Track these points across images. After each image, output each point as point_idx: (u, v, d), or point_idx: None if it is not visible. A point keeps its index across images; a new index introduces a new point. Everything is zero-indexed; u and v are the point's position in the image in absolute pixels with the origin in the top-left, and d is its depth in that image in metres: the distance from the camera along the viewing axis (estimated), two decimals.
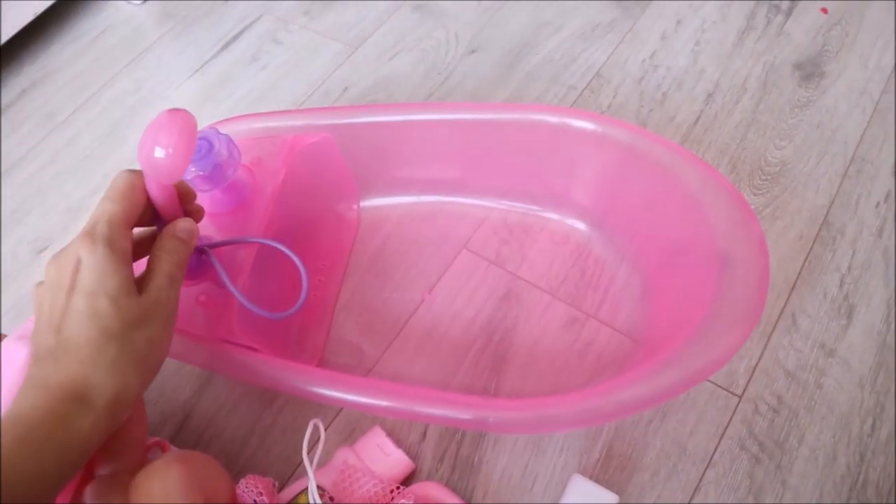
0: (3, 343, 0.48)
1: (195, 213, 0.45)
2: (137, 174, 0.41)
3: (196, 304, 0.49)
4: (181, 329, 0.48)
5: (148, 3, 0.89)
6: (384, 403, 0.45)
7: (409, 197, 0.65)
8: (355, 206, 0.65)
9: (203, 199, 0.51)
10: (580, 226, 0.62)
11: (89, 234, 0.38)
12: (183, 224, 0.43)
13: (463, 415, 0.44)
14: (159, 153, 0.38)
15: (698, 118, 0.70)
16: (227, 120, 0.59)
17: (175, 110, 0.40)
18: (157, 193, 0.41)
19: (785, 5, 0.79)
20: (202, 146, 0.48)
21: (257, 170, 0.53)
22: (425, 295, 0.60)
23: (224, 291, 0.49)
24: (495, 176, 0.62)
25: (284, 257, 0.50)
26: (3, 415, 0.35)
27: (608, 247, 0.61)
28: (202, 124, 0.75)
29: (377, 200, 0.65)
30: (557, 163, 0.59)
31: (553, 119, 0.55)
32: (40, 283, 0.40)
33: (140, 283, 0.40)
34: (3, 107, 0.80)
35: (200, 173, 0.48)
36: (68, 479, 0.36)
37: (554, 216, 0.63)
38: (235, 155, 0.49)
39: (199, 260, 0.49)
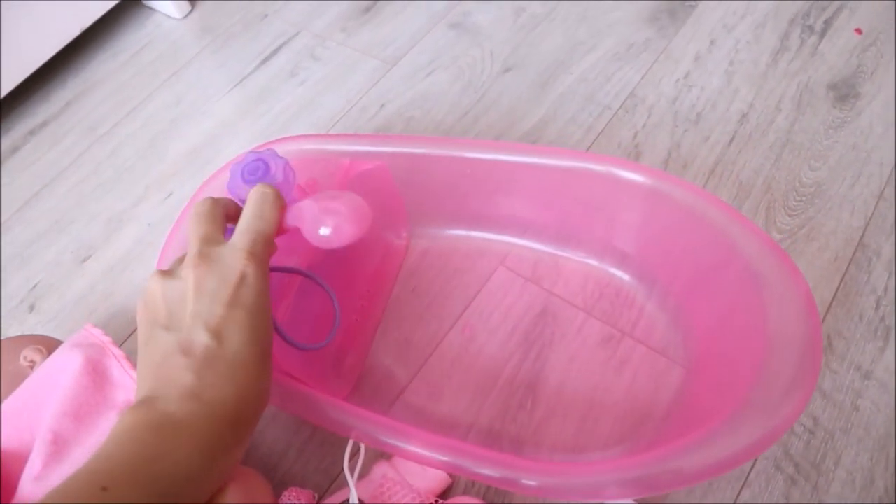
0: (59, 350, 0.49)
1: None
2: (280, 197, 0.43)
3: None
4: None
5: (188, 18, 0.91)
6: (413, 450, 0.44)
7: (445, 229, 0.66)
8: (405, 235, 0.65)
9: None
10: (613, 269, 0.62)
11: (254, 253, 0.39)
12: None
13: (504, 474, 0.43)
14: (324, 231, 0.43)
15: (732, 138, 0.71)
16: (283, 139, 0.59)
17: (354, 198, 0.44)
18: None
19: (819, 26, 0.79)
20: (259, 167, 0.49)
21: (311, 192, 0.54)
22: (465, 330, 0.61)
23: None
24: (530, 215, 0.63)
25: (330, 281, 0.51)
26: (158, 412, 0.35)
27: (641, 276, 0.61)
28: (241, 137, 0.77)
29: (414, 229, 0.66)
30: (594, 206, 0.59)
31: (592, 166, 0.55)
32: (172, 279, 0.39)
33: None
34: (47, 119, 0.83)
35: None
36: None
37: (589, 259, 0.63)
38: (291, 179, 0.50)
39: None
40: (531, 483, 0.42)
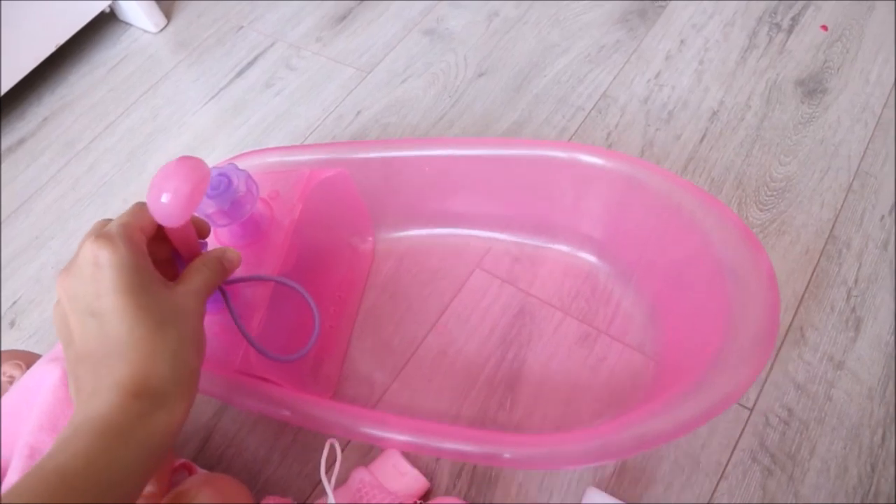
0: (36, 364, 0.49)
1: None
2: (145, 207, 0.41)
3: (213, 336, 0.50)
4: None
5: (163, 32, 0.91)
6: (393, 437, 0.45)
7: (420, 230, 0.67)
8: (370, 239, 0.66)
9: (222, 234, 0.52)
10: (587, 255, 0.63)
11: (102, 235, 0.37)
12: (231, 254, 0.44)
13: (478, 449, 0.44)
14: (165, 198, 0.38)
15: (703, 136, 0.72)
16: (245, 154, 0.60)
17: (185, 158, 0.40)
18: (174, 230, 0.42)
19: (786, 23, 0.80)
20: (221, 182, 0.49)
21: (275, 204, 0.54)
22: (440, 328, 0.62)
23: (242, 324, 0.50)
24: (503, 208, 0.64)
25: (285, 291, 0.51)
26: (73, 421, 0.35)
27: (615, 267, 0.62)
28: (218, 150, 0.78)
29: (389, 233, 0.67)
30: (564, 195, 0.60)
31: (558, 154, 0.57)
32: (57, 303, 0.39)
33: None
34: (24, 137, 0.83)
35: (219, 208, 0.49)
36: (151, 476, 0.36)
37: (562, 247, 0.64)
38: (254, 190, 0.50)
39: (216, 295, 0.50)
40: (507, 455, 0.43)
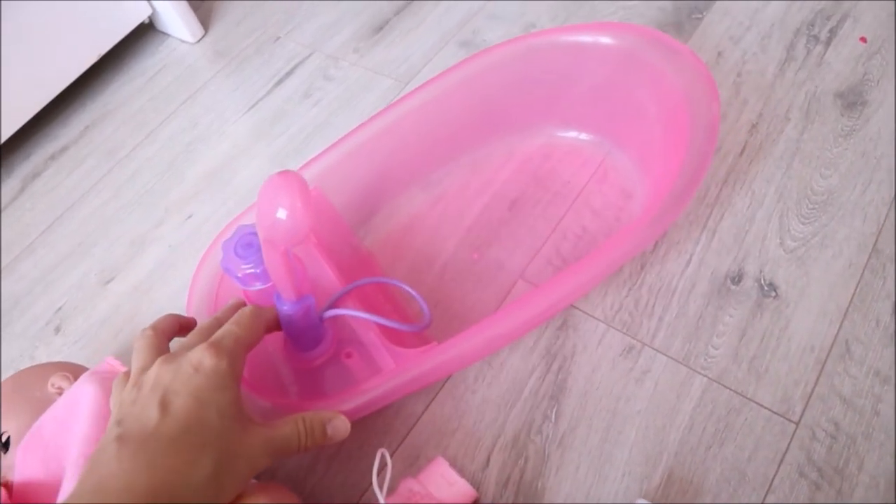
0: (79, 380, 0.50)
1: None
2: (266, 309, 0.45)
3: (346, 363, 0.54)
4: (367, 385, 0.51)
5: (201, 42, 0.93)
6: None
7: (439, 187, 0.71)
8: (360, 241, 0.68)
9: (260, 297, 0.52)
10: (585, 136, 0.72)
11: (216, 345, 0.40)
12: (340, 423, 0.45)
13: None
14: (281, 214, 0.39)
15: (743, 149, 0.72)
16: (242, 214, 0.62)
17: (285, 172, 0.41)
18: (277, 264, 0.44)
19: (824, 35, 0.80)
20: (252, 241, 0.49)
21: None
22: (474, 256, 0.66)
23: (359, 340, 0.53)
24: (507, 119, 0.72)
25: (364, 296, 0.53)
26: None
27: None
28: (258, 159, 0.79)
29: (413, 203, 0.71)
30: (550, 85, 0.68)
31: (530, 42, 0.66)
32: (135, 384, 0.40)
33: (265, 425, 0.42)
34: (67, 144, 0.84)
35: (252, 270, 0.49)
36: None
37: (569, 134, 0.73)
38: None
39: (318, 331, 0.52)
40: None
